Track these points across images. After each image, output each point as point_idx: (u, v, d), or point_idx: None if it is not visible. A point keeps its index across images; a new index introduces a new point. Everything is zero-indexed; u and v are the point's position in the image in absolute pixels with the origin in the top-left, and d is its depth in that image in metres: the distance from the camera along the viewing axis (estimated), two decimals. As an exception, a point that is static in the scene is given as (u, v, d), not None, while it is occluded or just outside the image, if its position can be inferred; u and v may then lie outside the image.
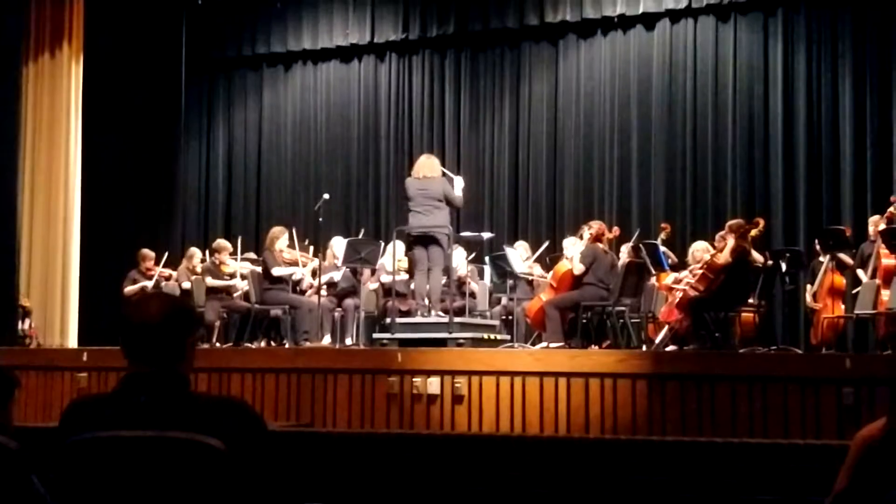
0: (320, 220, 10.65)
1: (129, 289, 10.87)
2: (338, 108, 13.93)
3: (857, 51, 11.47)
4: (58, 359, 9.22)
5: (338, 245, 10.45)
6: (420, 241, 9.03)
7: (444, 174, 9.28)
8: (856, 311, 9.02)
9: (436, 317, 8.90)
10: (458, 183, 9.24)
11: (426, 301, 9.04)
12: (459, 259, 10.39)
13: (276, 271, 9.85)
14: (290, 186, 14.03)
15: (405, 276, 9.95)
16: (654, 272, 9.56)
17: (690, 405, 7.03)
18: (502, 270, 10.06)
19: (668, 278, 9.56)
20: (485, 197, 13.00)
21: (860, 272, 9.28)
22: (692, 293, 8.85)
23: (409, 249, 9.50)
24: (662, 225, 10.47)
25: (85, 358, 8.85)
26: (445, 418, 7.56)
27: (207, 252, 11.21)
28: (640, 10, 12.25)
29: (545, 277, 10.06)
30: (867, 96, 11.35)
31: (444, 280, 9.51)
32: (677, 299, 9.21)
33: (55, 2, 12.30)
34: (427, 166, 9.16)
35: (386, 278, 10.06)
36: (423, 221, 8.96)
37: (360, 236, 11.26)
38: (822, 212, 11.40)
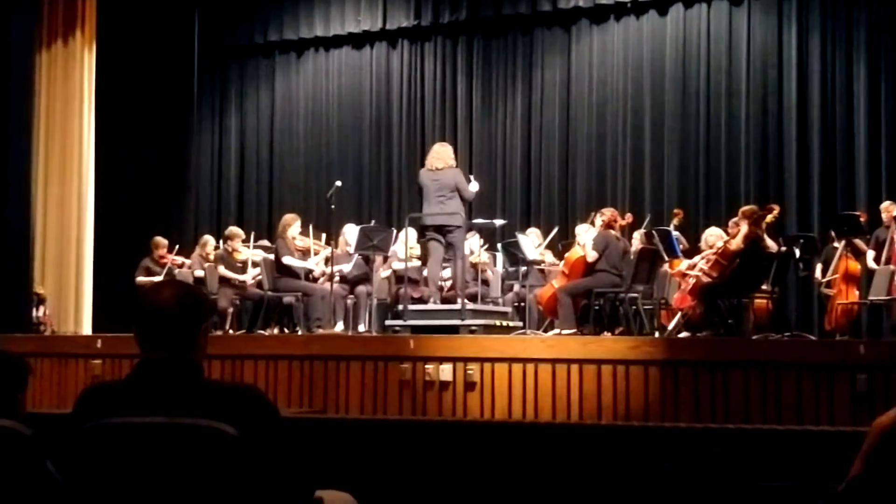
0: (332, 207, 10.66)
1: (141, 280, 10.89)
2: (350, 96, 13.92)
3: (872, 35, 11.38)
4: (72, 346, 9.26)
5: (350, 232, 10.46)
6: (435, 230, 9.04)
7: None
8: (870, 297, 8.99)
9: (460, 304, 8.85)
10: (474, 186, 9.32)
11: (437, 289, 9.07)
12: (475, 246, 10.40)
13: (287, 261, 9.86)
14: (302, 173, 14.03)
15: (417, 263, 9.96)
16: (666, 259, 9.54)
17: (703, 392, 7.02)
18: (515, 257, 10.06)
19: (682, 264, 9.54)
20: (497, 184, 12.98)
21: (871, 259, 9.23)
22: (705, 279, 8.83)
23: (421, 237, 9.51)
24: (675, 211, 10.45)
25: (99, 345, 8.89)
26: (458, 405, 7.57)
27: (220, 239, 11.24)
28: (654, -5, 12.21)
29: (557, 264, 10.06)
30: (882, 81, 11.26)
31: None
32: (690, 286, 9.19)
33: (68, -10, 12.33)
34: (439, 157, 9.19)
35: (398, 265, 10.07)
36: (437, 211, 8.98)
37: (373, 223, 11.27)
38: (837, 198, 11.34)
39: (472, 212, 11.00)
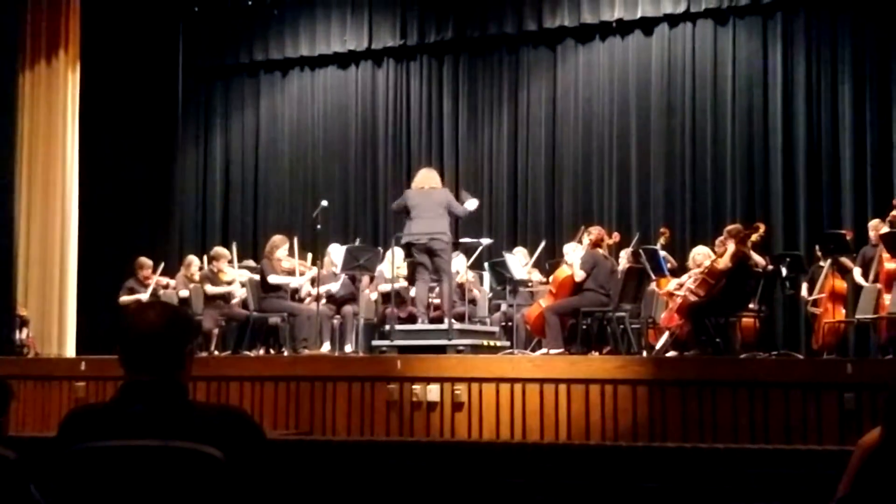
0: (318, 227, 10.62)
1: (125, 299, 10.78)
2: (335, 115, 13.91)
3: (857, 54, 11.46)
4: (55, 368, 9.20)
5: (335, 252, 10.42)
6: (423, 249, 8.98)
7: (458, 195, 9.45)
8: (857, 316, 9.00)
9: (447, 324, 8.80)
10: (473, 203, 9.31)
11: (424, 309, 9.03)
12: (461, 265, 10.38)
13: (273, 279, 9.81)
14: (287, 193, 14.00)
15: (404, 283, 9.92)
16: (654, 277, 9.54)
17: (691, 411, 7.01)
18: (502, 277, 10.04)
19: (671, 284, 9.54)
20: (483, 203, 12.90)
21: (859, 275, 9.24)
22: (692, 298, 8.83)
23: (408, 257, 9.46)
24: (662, 230, 10.46)
25: (83, 367, 8.82)
26: (445, 425, 7.54)
27: (205, 260, 11.18)
28: (639, 15, 12.24)
29: (545, 283, 10.04)
30: (867, 100, 11.34)
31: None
32: (677, 305, 9.18)
33: (52, 9, 12.27)
34: (429, 178, 9.24)
35: (385, 286, 10.01)
36: (425, 228, 8.91)
37: (358, 243, 11.24)
38: (823, 216, 11.38)
39: (458, 231, 10.99)
